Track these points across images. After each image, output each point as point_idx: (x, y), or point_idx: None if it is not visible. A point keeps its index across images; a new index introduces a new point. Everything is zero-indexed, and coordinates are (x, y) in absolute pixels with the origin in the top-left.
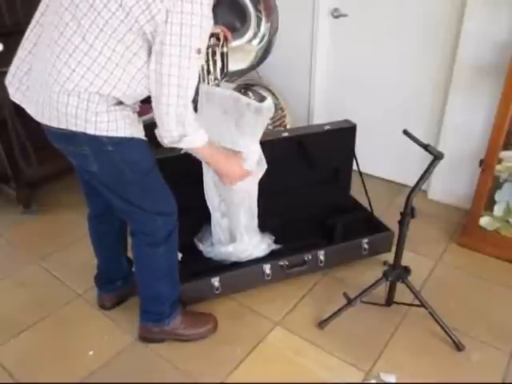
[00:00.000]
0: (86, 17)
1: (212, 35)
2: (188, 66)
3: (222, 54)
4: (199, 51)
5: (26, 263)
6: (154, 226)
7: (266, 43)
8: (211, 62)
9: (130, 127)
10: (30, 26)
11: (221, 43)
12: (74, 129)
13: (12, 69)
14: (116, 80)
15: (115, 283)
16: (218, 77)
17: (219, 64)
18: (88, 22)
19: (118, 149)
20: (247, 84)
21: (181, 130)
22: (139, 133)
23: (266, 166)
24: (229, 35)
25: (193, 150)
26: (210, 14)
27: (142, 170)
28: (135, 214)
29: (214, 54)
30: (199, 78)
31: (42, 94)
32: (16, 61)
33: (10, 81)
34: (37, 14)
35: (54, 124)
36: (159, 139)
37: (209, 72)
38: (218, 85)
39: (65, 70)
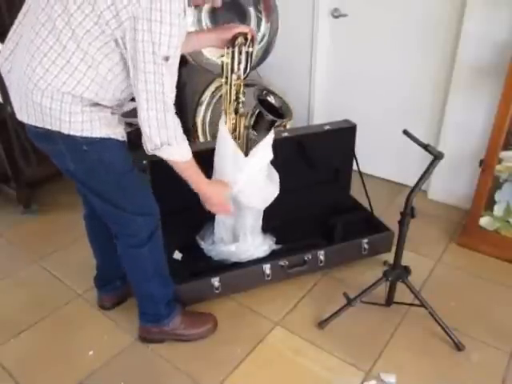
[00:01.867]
0: (59, 18)
1: (240, 34)
2: (160, 72)
3: (247, 54)
4: (167, 58)
5: (26, 263)
6: (135, 226)
7: (265, 43)
8: (236, 61)
9: (106, 128)
10: (13, 26)
11: (248, 43)
12: (49, 127)
13: None
14: (89, 81)
15: (114, 283)
16: (242, 76)
17: (243, 63)
18: (62, 23)
19: (92, 149)
20: (247, 84)
21: (163, 137)
22: (116, 134)
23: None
24: (255, 35)
25: (173, 164)
26: (181, 23)
27: (117, 170)
28: (115, 214)
29: (240, 52)
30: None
31: (19, 93)
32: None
33: None
34: (19, 15)
35: (31, 122)
36: (143, 146)
37: (232, 70)
38: (239, 84)
39: (39, 69)
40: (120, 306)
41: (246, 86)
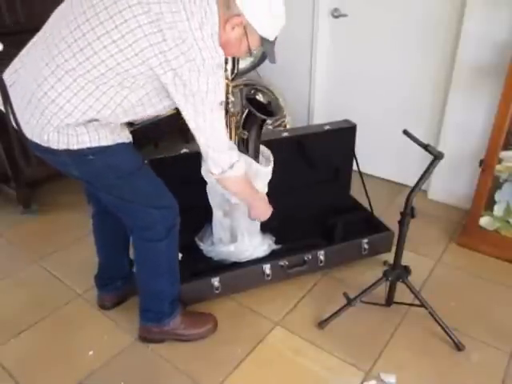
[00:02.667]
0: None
1: None
2: (217, 116)
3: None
4: (221, 103)
5: (26, 263)
6: (151, 219)
7: None
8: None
9: (111, 135)
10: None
11: None
12: (55, 147)
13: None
14: (101, 106)
15: (115, 283)
16: (229, 76)
17: (230, 64)
18: (98, 60)
19: (99, 157)
20: (246, 84)
21: (228, 160)
22: (122, 137)
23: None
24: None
25: (235, 184)
26: (222, 73)
27: (126, 171)
28: (128, 208)
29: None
30: None
31: (26, 109)
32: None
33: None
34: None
35: (35, 140)
36: (206, 174)
37: None
38: (228, 85)
39: (66, 93)
40: (120, 305)
41: (246, 85)
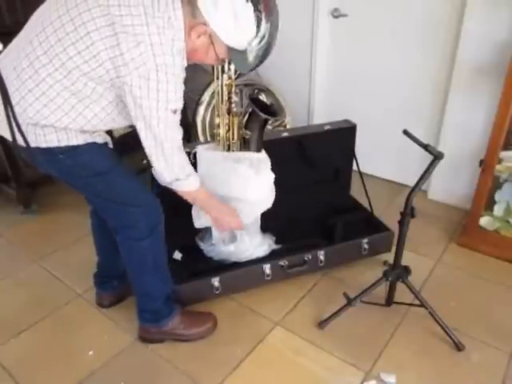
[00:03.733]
0: (57, 57)
1: None
2: (170, 125)
3: None
4: (175, 112)
5: (26, 263)
6: (133, 218)
7: (265, 43)
8: (226, 61)
9: (81, 135)
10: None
11: None
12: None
13: None
14: (76, 114)
15: (112, 282)
16: (233, 76)
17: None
18: (59, 62)
19: (68, 156)
20: (247, 84)
21: (171, 176)
22: (94, 137)
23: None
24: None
25: (185, 194)
26: (180, 81)
27: (98, 170)
28: (109, 207)
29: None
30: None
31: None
32: None
33: None
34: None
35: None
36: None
37: (223, 70)
38: (231, 84)
39: (28, 97)
40: (119, 305)
41: (246, 85)
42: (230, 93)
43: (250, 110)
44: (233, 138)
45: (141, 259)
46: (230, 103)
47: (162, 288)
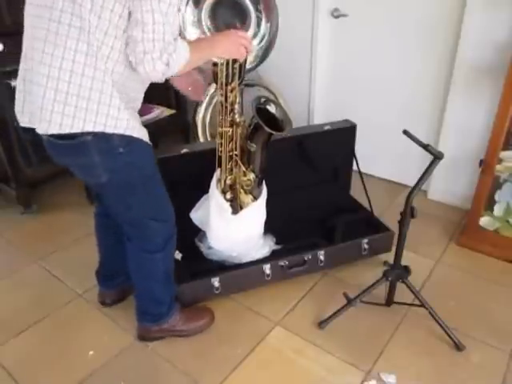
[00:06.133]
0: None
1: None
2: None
3: (241, 64)
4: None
5: (26, 263)
6: (151, 231)
7: (265, 43)
8: (230, 73)
9: (140, 129)
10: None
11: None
12: (84, 130)
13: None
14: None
15: (116, 280)
16: (236, 86)
17: (237, 73)
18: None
19: (128, 150)
20: (247, 84)
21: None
22: (146, 136)
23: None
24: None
25: (184, 64)
26: None
27: (147, 173)
28: (131, 217)
29: (234, 61)
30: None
31: (37, 99)
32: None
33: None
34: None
35: (53, 130)
36: (148, 73)
37: (227, 83)
38: (235, 95)
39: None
40: (120, 305)
41: (246, 85)
42: (233, 104)
43: (256, 121)
44: (235, 149)
45: (151, 270)
46: (234, 114)
47: (167, 293)
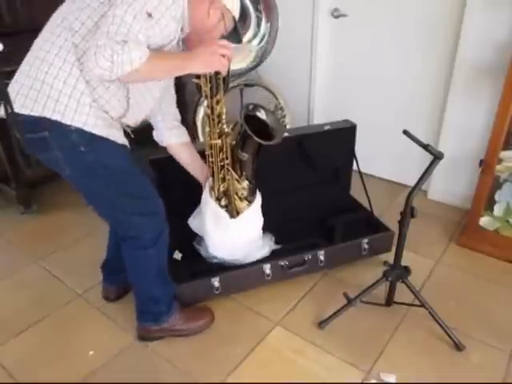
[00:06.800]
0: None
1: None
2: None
3: (225, 76)
4: (150, 15)
5: (26, 263)
6: (138, 227)
7: (265, 43)
8: (214, 85)
9: (106, 128)
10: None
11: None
12: (48, 116)
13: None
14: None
15: (121, 274)
16: (222, 98)
17: (222, 84)
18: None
19: (90, 149)
20: (247, 84)
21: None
22: (115, 136)
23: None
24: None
25: (143, 72)
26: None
27: (116, 168)
28: (115, 216)
29: (216, 73)
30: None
31: (26, 81)
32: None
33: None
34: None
35: (26, 111)
36: (91, 70)
37: (212, 96)
38: (222, 106)
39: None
40: (119, 305)
41: (246, 85)
42: (220, 115)
43: (244, 130)
44: (226, 158)
45: (146, 267)
46: (221, 124)
47: (165, 291)
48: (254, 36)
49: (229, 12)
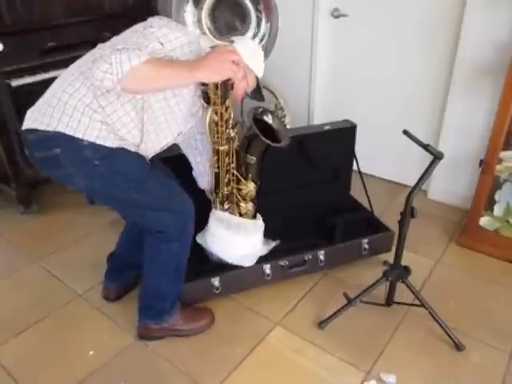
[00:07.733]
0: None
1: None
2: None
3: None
4: (161, 44)
5: (26, 263)
6: (165, 224)
7: (266, 43)
8: (223, 89)
9: (118, 141)
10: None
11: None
12: (61, 130)
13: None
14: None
15: (124, 272)
16: (230, 106)
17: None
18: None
19: (104, 162)
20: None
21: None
22: (128, 145)
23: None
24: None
25: (143, 76)
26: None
27: (132, 177)
28: (139, 214)
29: (226, 80)
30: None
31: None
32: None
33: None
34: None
35: (37, 125)
36: (93, 75)
37: (222, 103)
38: (230, 113)
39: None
40: (119, 305)
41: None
42: (228, 121)
43: (252, 132)
44: (232, 162)
45: (165, 260)
46: (229, 129)
47: (175, 289)
48: (254, 36)
49: (251, 72)
